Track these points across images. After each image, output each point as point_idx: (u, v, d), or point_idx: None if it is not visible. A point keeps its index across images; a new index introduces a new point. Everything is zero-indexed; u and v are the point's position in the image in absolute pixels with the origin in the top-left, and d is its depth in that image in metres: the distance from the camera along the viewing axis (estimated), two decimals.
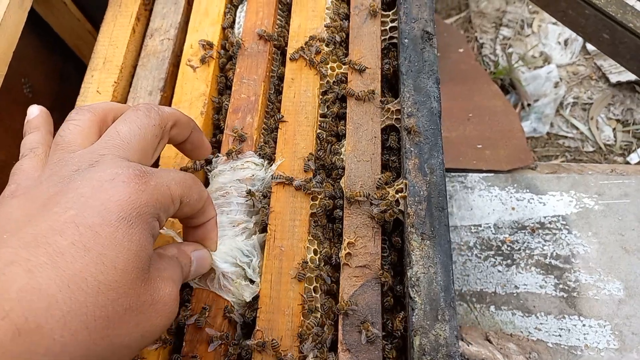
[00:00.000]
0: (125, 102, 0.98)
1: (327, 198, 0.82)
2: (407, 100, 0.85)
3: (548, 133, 2.70)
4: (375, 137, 0.86)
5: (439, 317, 0.69)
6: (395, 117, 0.86)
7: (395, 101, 0.87)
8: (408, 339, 0.70)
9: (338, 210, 0.83)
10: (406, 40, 0.90)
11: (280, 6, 1.05)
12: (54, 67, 1.47)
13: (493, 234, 1.64)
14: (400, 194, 0.78)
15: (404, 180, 0.78)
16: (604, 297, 1.51)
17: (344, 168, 0.84)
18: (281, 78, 0.99)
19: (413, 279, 0.71)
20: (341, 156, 0.86)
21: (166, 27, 1.03)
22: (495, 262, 1.60)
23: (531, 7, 3.02)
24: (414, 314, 0.69)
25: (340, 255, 0.77)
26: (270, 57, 0.98)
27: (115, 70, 0.99)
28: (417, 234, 0.74)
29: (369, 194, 0.78)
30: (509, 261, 1.60)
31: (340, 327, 0.73)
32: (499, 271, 1.59)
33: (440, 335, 0.68)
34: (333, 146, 0.89)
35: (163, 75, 0.97)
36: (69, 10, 1.33)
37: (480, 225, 1.64)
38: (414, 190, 0.77)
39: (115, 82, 0.98)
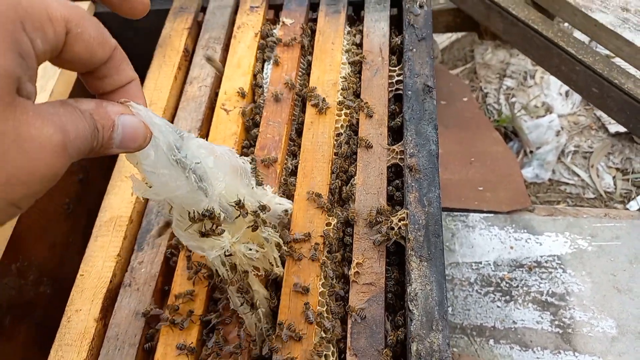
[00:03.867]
0: None
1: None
2: (410, 142, 0.99)
3: (550, 179, 2.82)
4: (382, 173, 1.00)
5: (434, 327, 0.80)
6: (399, 157, 1.01)
7: (399, 143, 1.02)
8: (407, 345, 0.81)
9: (348, 237, 0.96)
10: (409, 92, 1.05)
11: (302, 61, 1.22)
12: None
13: (493, 271, 1.74)
14: (402, 222, 0.91)
15: (406, 210, 0.91)
16: (597, 334, 1.59)
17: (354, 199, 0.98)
18: (300, 122, 1.15)
19: (412, 294, 0.83)
20: (352, 188, 0.99)
21: (203, 76, 1.20)
22: (494, 297, 1.69)
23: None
24: (412, 324, 0.81)
25: (349, 273, 0.90)
26: (293, 104, 1.14)
27: (159, 112, 1.15)
28: (416, 256, 0.86)
29: (376, 216, 0.91)
30: (507, 297, 1.70)
31: (349, 335, 0.84)
32: (498, 306, 1.68)
33: (434, 342, 0.79)
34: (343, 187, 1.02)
35: (200, 117, 1.13)
36: None
37: (480, 262, 1.75)
38: (414, 219, 0.90)
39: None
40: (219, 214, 0.70)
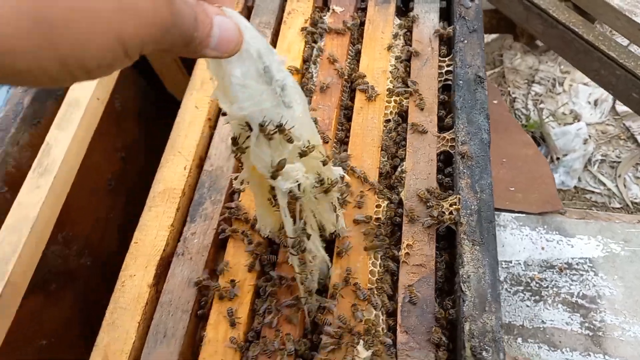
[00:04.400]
0: (218, 117, 1.16)
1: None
2: (461, 130, 1.00)
3: (576, 187, 2.81)
4: (431, 159, 1.01)
5: (486, 309, 0.81)
6: (449, 144, 1.02)
7: (450, 131, 1.03)
8: (458, 325, 0.82)
9: (397, 217, 0.97)
10: (461, 82, 1.07)
11: (350, 49, 1.23)
12: (137, 86, 1.68)
13: (523, 270, 1.74)
14: (453, 207, 0.92)
15: (458, 195, 0.93)
16: (629, 339, 1.58)
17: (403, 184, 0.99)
18: (348, 107, 1.16)
19: (464, 276, 0.84)
20: (402, 174, 1.01)
21: None
22: (524, 297, 1.69)
23: (563, 67, 3.18)
24: (465, 304, 0.82)
25: (400, 254, 0.91)
26: (342, 89, 1.16)
27: (211, 91, 1.17)
28: (468, 240, 0.88)
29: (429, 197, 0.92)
30: (537, 297, 1.70)
31: (399, 313, 0.85)
32: (527, 306, 1.68)
33: (487, 323, 0.80)
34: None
35: None
36: None
37: (511, 262, 1.75)
38: (466, 204, 0.92)
39: (211, 100, 1.17)
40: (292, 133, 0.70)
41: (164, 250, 0.99)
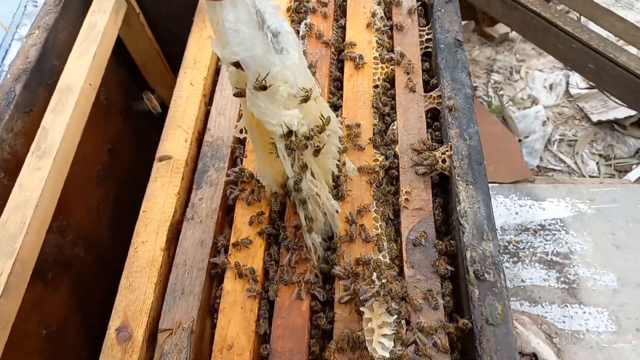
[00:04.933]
0: (213, 93, 1.21)
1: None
2: (446, 87, 1.09)
3: (538, 166, 2.96)
4: (421, 116, 1.09)
5: (484, 237, 0.89)
6: (436, 101, 1.10)
7: (437, 89, 1.11)
8: (460, 254, 0.90)
9: (394, 170, 1.04)
10: (442, 46, 1.16)
11: (335, 23, 1.31)
12: (120, 80, 1.70)
13: (500, 235, 1.85)
14: (446, 154, 1.00)
15: (449, 143, 1.01)
16: (600, 288, 1.70)
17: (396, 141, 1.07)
18: (337, 79, 1.23)
19: (462, 211, 0.92)
20: (395, 130, 1.08)
21: None
22: (503, 259, 1.79)
23: (518, 56, 3.36)
24: (464, 236, 0.90)
25: (400, 200, 0.98)
26: (331, 59, 1.23)
27: (204, 69, 1.22)
28: (462, 181, 0.96)
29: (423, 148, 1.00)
30: (515, 258, 1.80)
31: (404, 251, 0.92)
32: (507, 267, 1.78)
33: (486, 249, 0.88)
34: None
35: None
36: (144, 30, 1.58)
37: None
38: (457, 150, 1.00)
39: (204, 77, 1.21)
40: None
41: (173, 216, 1.02)
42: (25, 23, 1.65)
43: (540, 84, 3.24)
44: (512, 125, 3.03)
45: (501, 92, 3.23)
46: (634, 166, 2.79)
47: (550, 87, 3.22)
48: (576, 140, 3.01)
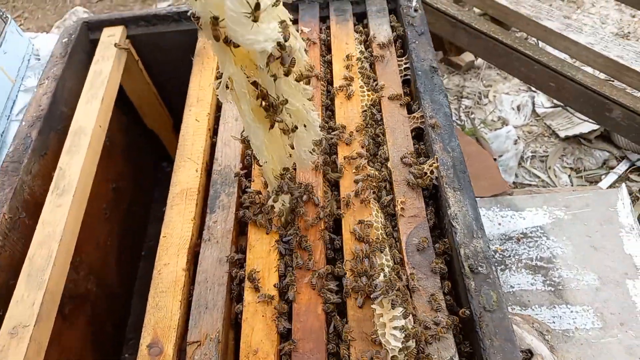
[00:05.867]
0: (217, 127, 1.32)
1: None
2: (427, 108, 1.23)
3: (514, 182, 3.13)
4: (407, 135, 1.22)
5: (474, 236, 1.01)
6: (420, 121, 1.24)
7: (419, 111, 1.25)
8: (454, 252, 1.01)
9: (387, 183, 1.16)
10: (420, 72, 1.30)
11: (321, 59, 1.45)
12: (120, 122, 1.80)
13: None
14: (433, 166, 1.13)
15: (435, 156, 1.13)
16: (583, 287, 1.82)
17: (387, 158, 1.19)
18: (328, 107, 1.36)
19: (452, 214, 1.04)
20: (385, 149, 1.20)
21: None
22: None
23: (485, 81, 3.59)
24: (457, 235, 1.01)
25: (396, 209, 1.10)
26: (321, 91, 1.36)
27: (207, 106, 1.34)
28: (450, 188, 1.08)
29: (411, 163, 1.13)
30: (502, 266, 1.92)
31: (404, 254, 1.03)
32: None
33: (477, 246, 0.99)
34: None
35: None
36: (143, 76, 1.70)
37: None
38: (443, 161, 1.12)
39: (208, 113, 1.33)
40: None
41: (190, 239, 1.11)
42: (29, 75, 1.75)
43: (508, 106, 3.45)
44: (485, 145, 3.20)
45: (472, 116, 3.42)
46: (603, 176, 2.97)
47: (518, 108, 3.43)
48: (547, 156, 3.19)
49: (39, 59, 1.79)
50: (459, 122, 3.39)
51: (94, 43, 1.58)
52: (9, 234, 1.15)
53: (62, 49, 1.52)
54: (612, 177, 2.91)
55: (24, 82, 1.74)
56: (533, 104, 3.32)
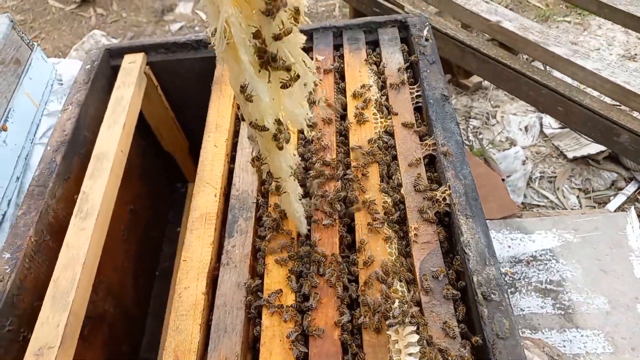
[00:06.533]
0: (235, 152, 1.36)
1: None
2: (439, 136, 1.26)
3: (523, 203, 3.15)
4: (419, 162, 1.26)
5: (487, 263, 1.03)
6: (432, 148, 1.27)
7: (431, 138, 1.29)
8: (467, 279, 1.03)
9: (401, 206, 1.19)
10: (431, 100, 1.34)
11: (335, 86, 1.49)
12: (138, 145, 1.85)
13: None
14: (445, 193, 1.16)
15: (448, 183, 1.17)
16: (594, 311, 1.83)
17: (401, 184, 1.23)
18: (341, 132, 1.40)
19: (465, 242, 1.07)
20: (398, 176, 1.24)
21: None
22: None
23: (493, 102, 3.63)
24: (470, 263, 1.04)
25: (409, 235, 1.13)
26: (335, 118, 1.40)
27: (225, 132, 1.38)
28: (462, 215, 1.11)
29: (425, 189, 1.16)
30: (512, 289, 1.93)
31: (418, 280, 1.06)
32: None
33: (490, 273, 1.02)
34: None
35: None
36: (161, 101, 1.75)
37: None
38: (455, 189, 1.16)
39: (226, 139, 1.37)
40: None
41: (209, 263, 1.15)
42: (52, 100, 1.81)
43: (516, 127, 3.48)
44: (494, 166, 3.22)
45: (481, 136, 3.45)
46: (612, 197, 2.98)
47: (526, 128, 3.46)
48: (555, 177, 3.21)
49: (61, 84, 1.86)
50: (467, 142, 3.43)
51: (115, 69, 1.64)
52: (34, 256, 1.19)
53: (85, 76, 1.57)
54: (620, 199, 2.92)
55: (47, 107, 1.80)
56: (541, 124, 3.35)
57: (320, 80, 1.46)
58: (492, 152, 3.29)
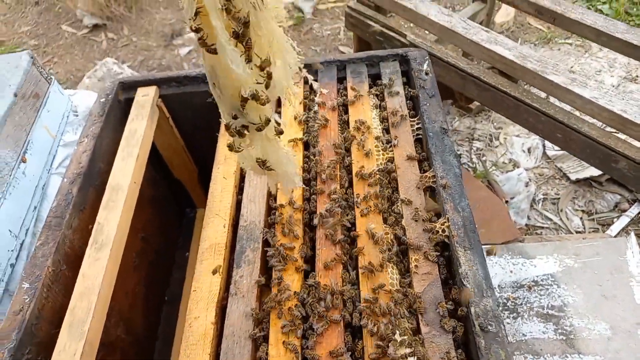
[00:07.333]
0: (242, 184, 1.42)
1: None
2: (439, 169, 1.32)
3: (527, 224, 3.18)
4: (420, 194, 1.31)
5: (484, 294, 1.08)
6: (432, 180, 1.33)
7: (430, 170, 1.34)
8: (465, 311, 1.08)
9: (404, 245, 1.24)
10: (431, 134, 1.40)
11: (339, 117, 1.56)
12: (149, 173, 1.92)
13: (498, 293, 2.02)
14: (444, 225, 1.21)
15: (447, 216, 1.22)
16: (595, 337, 1.86)
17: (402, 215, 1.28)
18: (344, 164, 1.46)
19: (463, 274, 1.11)
20: (399, 206, 1.29)
21: None
22: (504, 315, 1.95)
23: (495, 124, 3.68)
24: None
25: (410, 267, 1.17)
26: (337, 151, 1.46)
27: (234, 164, 1.45)
28: (460, 247, 1.16)
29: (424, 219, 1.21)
30: (514, 314, 1.96)
31: (419, 312, 1.10)
32: (508, 322, 1.94)
33: (487, 305, 1.06)
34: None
35: None
36: (173, 132, 1.83)
37: None
38: (454, 221, 1.20)
39: (234, 171, 1.43)
40: None
41: (218, 293, 1.20)
42: (68, 130, 1.89)
43: (519, 148, 3.52)
44: (497, 188, 3.26)
45: (484, 158, 3.50)
46: (615, 219, 3.01)
47: (529, 150, 3.50)
48: (559, 199, 3.24)
49: (76, 115, 1.93)
50: (470, 164, 3.47)
51: (129, 102, 1.72)
52: (52, 285, 1.25)
53: (100, 109, 1.65)
54: (624, 220, 2.94)
55: (63, 137, 1.87)
56: (544, 146, 3.40)
57: (325, 119, 1.53)
58: (495, 173, 3.34)
